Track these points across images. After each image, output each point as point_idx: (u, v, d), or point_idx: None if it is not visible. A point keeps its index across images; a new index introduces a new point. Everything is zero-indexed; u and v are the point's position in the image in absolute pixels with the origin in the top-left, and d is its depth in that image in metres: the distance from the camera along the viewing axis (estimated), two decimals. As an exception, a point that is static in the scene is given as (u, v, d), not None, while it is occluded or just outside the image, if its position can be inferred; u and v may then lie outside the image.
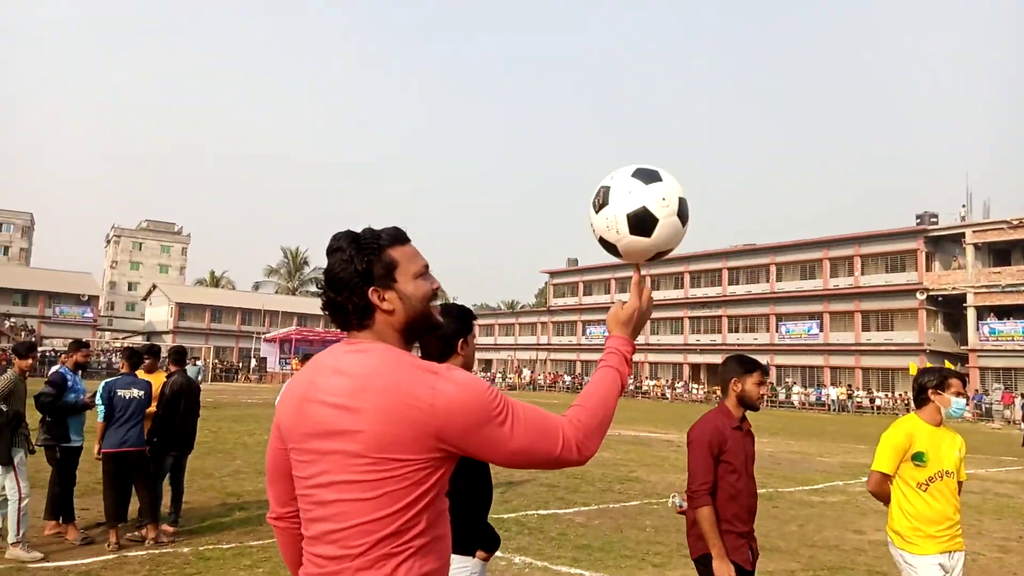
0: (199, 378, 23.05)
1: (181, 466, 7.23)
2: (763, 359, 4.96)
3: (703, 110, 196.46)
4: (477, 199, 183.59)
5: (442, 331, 2.82)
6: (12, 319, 56.34)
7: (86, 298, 64.50)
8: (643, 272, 1.89)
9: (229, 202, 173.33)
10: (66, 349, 7.28)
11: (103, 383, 6.54)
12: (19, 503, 5.89)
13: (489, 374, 65.60)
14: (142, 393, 6.51)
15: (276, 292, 78.52)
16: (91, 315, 64.11)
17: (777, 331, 53.71)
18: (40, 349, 38.58)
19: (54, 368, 7.12)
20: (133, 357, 6.91)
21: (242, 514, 7.85)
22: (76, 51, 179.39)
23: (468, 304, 4.48)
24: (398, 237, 1.61)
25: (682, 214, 1.82)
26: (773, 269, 54.81)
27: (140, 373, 7.18)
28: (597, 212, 1.83)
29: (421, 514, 1.45)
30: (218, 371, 50.29)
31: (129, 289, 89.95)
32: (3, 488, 6.00)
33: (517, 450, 1.45)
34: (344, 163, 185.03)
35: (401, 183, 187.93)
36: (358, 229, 1.62)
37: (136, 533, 6.57)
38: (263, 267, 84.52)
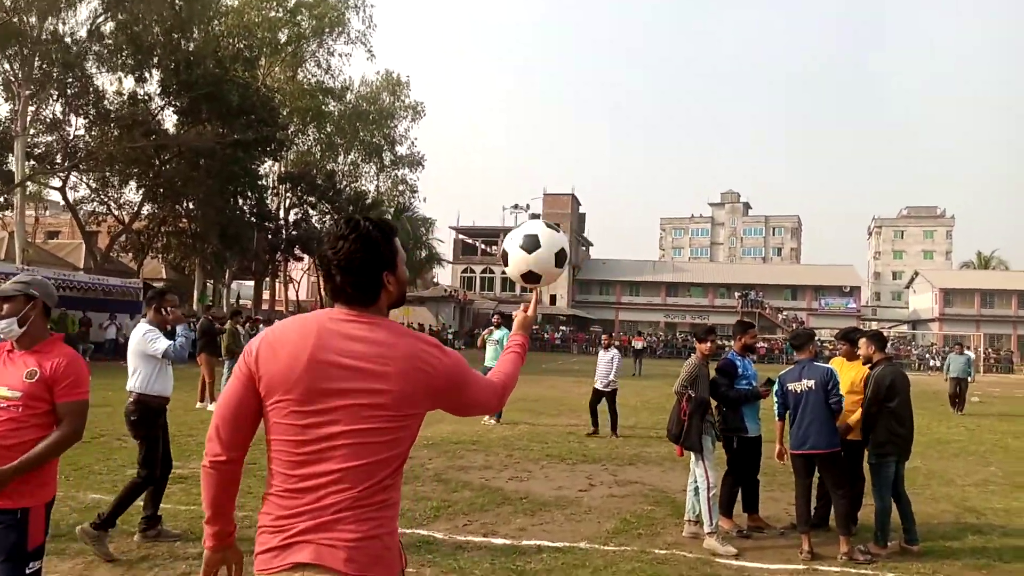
0: (969, 371, 19.03)
1: (900, 473, 5.95)
2: None
3: None
4: None
5: None
6: (784, 312, 62.05)
7: (848, 289, 66.30)
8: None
9: (995, 180, 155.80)
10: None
11: (779, 375, 5.93)
12: (707, 492, 5.72)
13: None
14: (813, 383, 5.60)
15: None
16: (854, 306, 65.50)
17: None
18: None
19: (724, 356, 6.74)
20: (800, 339, 6.13)
21: (976, 539, 6.19)
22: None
23: None
24: (394, 228, 2.04)
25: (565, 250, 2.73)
26: None
27: (837, 361, 6.43)
28: (531, 253, 2.64)
29: (406, 455, 1.94)
30: (991, 361, 44.87)
31: (893, 278, 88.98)
32: (695, 476, 5.95)
33: (475, 402, 2.08)
34: None
35: None
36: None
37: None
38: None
